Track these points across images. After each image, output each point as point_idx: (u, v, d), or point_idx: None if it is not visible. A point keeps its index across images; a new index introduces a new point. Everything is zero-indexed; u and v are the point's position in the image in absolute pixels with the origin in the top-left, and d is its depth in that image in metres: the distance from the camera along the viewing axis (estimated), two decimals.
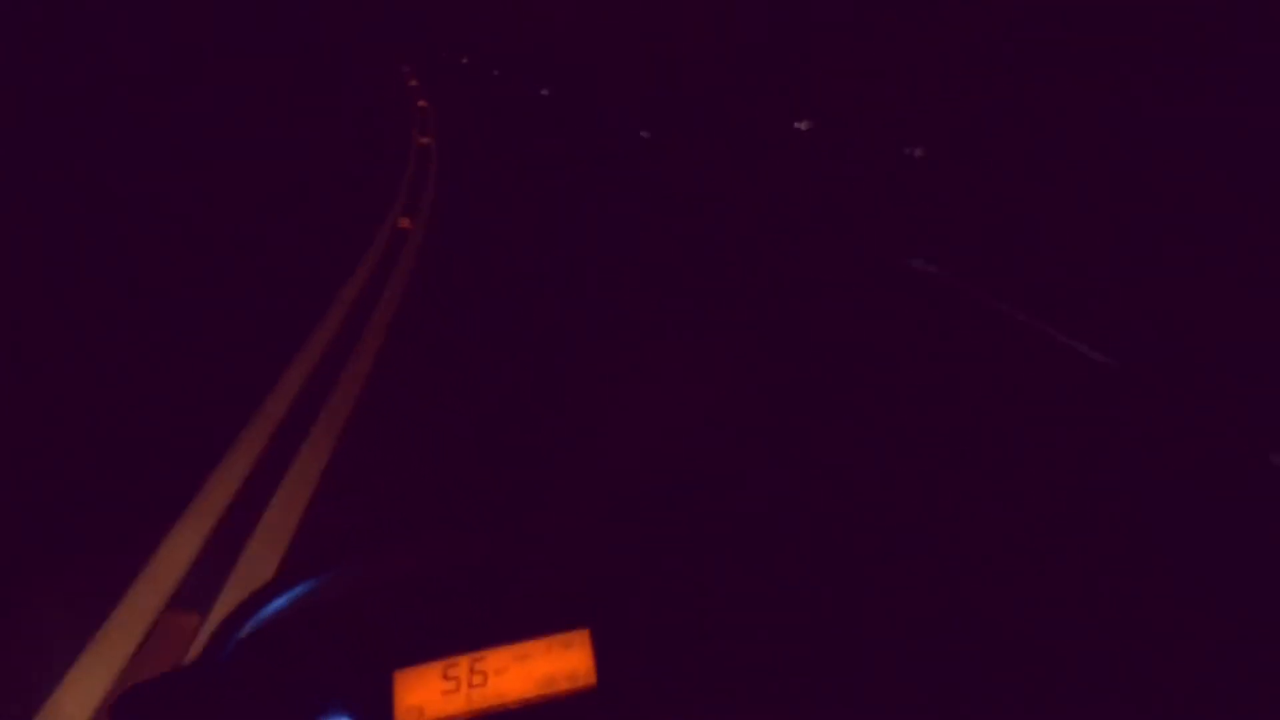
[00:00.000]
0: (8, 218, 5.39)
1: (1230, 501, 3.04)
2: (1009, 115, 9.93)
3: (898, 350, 4.51)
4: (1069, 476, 3.14)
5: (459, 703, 0.69)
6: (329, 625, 0.71)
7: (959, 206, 8.29)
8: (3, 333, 3.96)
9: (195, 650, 2.00)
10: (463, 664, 0.69)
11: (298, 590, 0.71)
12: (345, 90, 16.89)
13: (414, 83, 20.83)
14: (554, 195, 8.61)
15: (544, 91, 20.93)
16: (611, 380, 3.85)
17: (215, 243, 5.65)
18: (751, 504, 0.89)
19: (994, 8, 11.21)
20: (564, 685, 0.70)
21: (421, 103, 16.40)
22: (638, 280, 5.64)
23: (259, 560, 2.33)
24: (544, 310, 4.87)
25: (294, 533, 2.48)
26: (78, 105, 7.44)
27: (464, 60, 31.87)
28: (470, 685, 0.69)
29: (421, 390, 3.69)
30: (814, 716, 0.72)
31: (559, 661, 0.71)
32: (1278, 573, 2.58)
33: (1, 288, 4.47)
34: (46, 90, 7.19)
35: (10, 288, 4.48)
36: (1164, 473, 3.22)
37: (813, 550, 0.83)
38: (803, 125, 13.63)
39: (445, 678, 0.69)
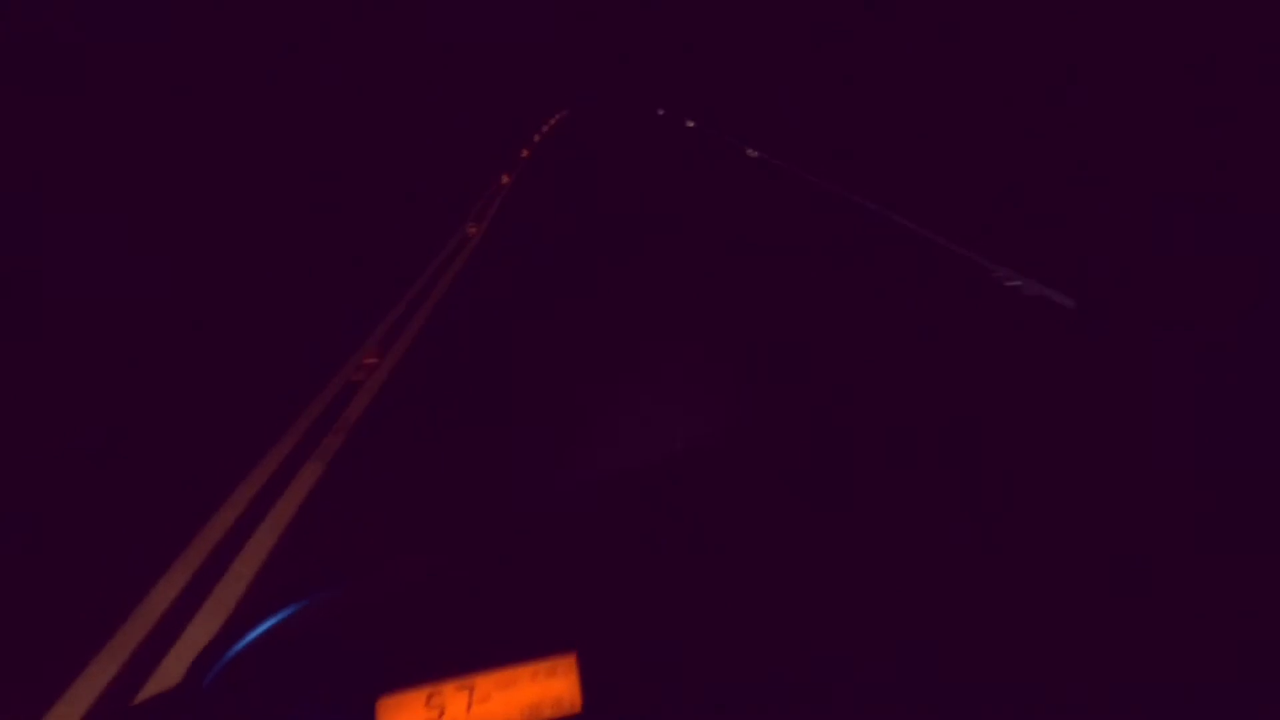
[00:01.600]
0: (8, 218, 5.39)
1: (1229, 500, 3.03)
2: (1008, 115, 9.92)
3: (897, 350, 4.49)
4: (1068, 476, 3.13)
5: None
6: (312, 650, 0.70)
7: (959, 205, 8.28)
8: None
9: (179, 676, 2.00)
10: (446, 690, 0.68)
11: (281, 615, 0.70)
12: None
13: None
14: None
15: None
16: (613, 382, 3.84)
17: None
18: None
19: (994, 7, 11.19)
20: (549, 713, 0.68)
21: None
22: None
23: None
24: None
25: None
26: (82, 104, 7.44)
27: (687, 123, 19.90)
28: (453, 714, 0.67)
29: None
30: None
31: (545, 687, 0.69)
32: (1278, 573, 2.57)
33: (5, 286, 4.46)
34: (50, 90, 7.20)
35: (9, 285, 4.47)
36: (1164, 473, 3.22)
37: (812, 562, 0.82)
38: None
39: (428, 705, 0.67)
